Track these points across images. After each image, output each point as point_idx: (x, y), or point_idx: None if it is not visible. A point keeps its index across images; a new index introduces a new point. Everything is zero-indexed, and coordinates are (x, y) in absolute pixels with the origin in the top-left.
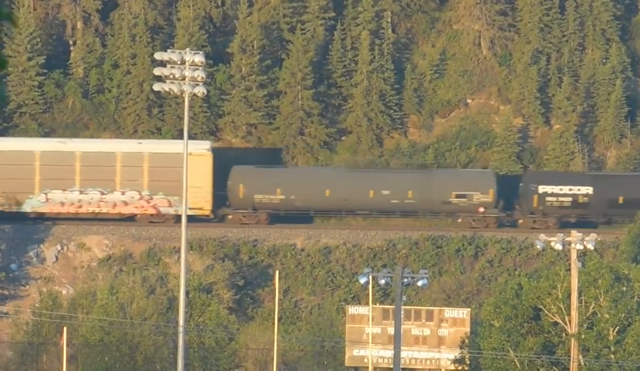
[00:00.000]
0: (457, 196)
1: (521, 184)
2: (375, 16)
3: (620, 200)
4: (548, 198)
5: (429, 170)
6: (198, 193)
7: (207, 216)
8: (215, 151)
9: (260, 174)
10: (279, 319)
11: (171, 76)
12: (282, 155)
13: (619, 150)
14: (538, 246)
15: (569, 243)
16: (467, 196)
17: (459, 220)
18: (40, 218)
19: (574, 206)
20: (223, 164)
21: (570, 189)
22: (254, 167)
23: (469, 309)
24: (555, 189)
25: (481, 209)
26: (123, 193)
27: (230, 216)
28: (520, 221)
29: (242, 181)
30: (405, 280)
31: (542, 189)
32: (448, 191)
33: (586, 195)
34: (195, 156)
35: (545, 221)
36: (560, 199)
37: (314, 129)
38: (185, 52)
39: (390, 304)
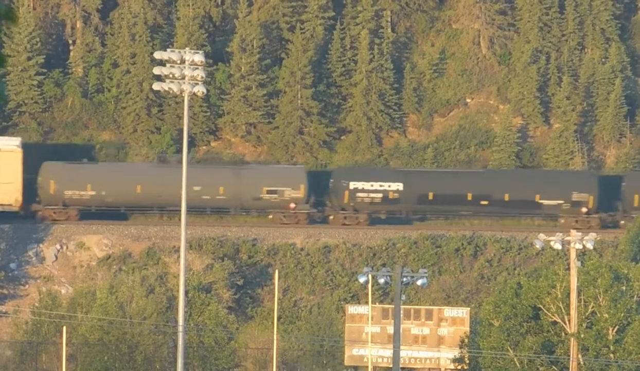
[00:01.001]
0: (268, 192)
1: (332, 180)
2: (374, 15)
3: (430, 196)
4: (359, 194)
5: (240, 166)
6: (7, 189)
7: (17, 212)
8: (25, 147)
9: (71, 169)
10: (279, 318)
11: (171, 75)
12: (95, 151)
13: (618, 149)
14: (537, 246)
15: (569, 243)
16: (278, 192)
17: (270, 216)
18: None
19: (384, 202)
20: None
21: (380, 185)
22: (65, 163)
23: (469, 308)
24: (366, 185)
25: (292, 205)
26: None
27: (39, 213)
28: (331, 217)
29: (53, 176)
30: (404, 279)
31: (353, 185)
32: (259, 187)
33: (396, 191)
34: (5, 152)
35: (356, 217)
36: (371, 195)
37: (313, 128)
38: (185, 52)
39: (389, 304)
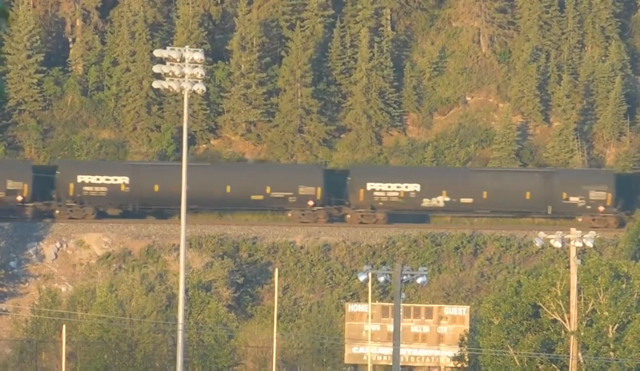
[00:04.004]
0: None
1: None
2: (374, 14)
3: (156, 189)
4: (85, 188)
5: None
6: None
7: None
8: None
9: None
10: (278, 316)
11: (170, 74)
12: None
13: (618, 147)
14: (537, 244)
15: (568, 241)
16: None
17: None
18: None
19: (112, 195)
20: None
21: (107, 179)
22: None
23: (468, 306)
24: (93, 178)
25: (19, 198)
26: None
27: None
28: (57, 211)
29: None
30: (404, 278)
31: (80, 178)
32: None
33: (124, 184)
34: None
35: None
36: (97, 188)
37: (313, 126)
38: (185, 50)
39: (389, 302)
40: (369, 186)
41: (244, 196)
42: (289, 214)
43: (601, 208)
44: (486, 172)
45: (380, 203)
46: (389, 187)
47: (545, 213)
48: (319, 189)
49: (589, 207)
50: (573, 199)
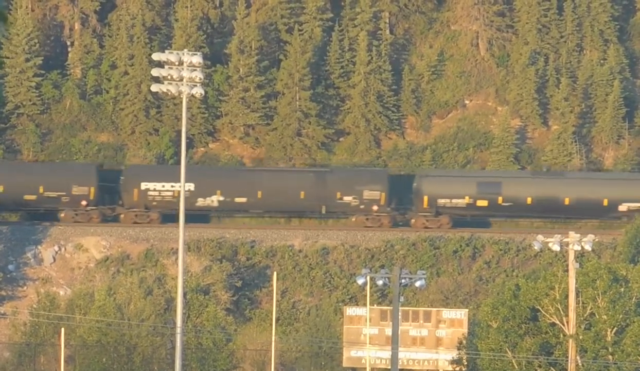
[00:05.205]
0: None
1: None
2: (372, 17)
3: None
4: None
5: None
6: None
7: None
8: None
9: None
10: (277, 320)
11: (169, 77)
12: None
13: (616, 151)
14: (536, 247)
15: (567, 244)
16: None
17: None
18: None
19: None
20: None
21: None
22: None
23: (467, 310)
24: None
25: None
26: None
27: None
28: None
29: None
30: (403, 281)
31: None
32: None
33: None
34: None
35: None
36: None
37: (311, 130)
38: (183, 53)
39: (388, 305)
40: (143, 185)
41: (16, 196)
42: (62, 215)
43: (375, 207)
44: (261, 172)
45: (154, 203)
46: (163, 186)
47: (319, 213)
48: (93, 189)
49: (362, 206)
50: (347, 198)
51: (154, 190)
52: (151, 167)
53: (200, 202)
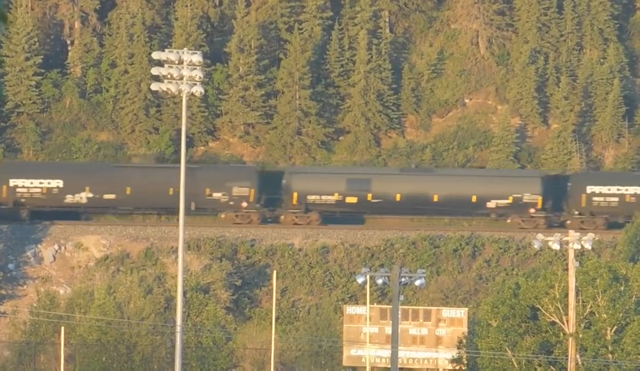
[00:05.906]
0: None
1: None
2: (372, 16)
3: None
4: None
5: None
6: None
7: None
8: None
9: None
10: (277, 319)
11: (169, 76)
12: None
13: (616, 149)
14: (536, 246)
15: (567, 243)
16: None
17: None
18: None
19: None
20: None
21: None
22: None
23: (467, 309)
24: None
25: (244, 204)
26: None
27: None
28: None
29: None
30: (402, 280)
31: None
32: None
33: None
34: None
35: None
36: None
37: (311, 128)
38: (183, 52)
39: (387, 304)
40: (12, 182)
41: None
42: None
43: (244, 204)
44: (130, 168)
45: (23, 200)
46: (32, 183)
47: (189, 209)
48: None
49: (232, 203)
50: (216, 195)
51: (23, 187)
52: (21, 164)
53: (69, 199)
